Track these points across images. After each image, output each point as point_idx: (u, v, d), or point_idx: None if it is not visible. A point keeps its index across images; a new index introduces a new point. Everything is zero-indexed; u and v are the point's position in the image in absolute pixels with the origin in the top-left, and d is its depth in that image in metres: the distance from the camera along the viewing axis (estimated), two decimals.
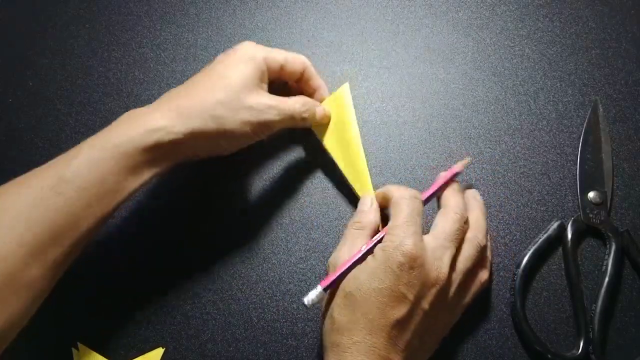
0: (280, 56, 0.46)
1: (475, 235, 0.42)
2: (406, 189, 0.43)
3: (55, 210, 0.37)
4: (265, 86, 0.45)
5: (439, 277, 0.39)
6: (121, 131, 0.40)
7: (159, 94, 0.53)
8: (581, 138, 0.50)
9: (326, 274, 0.42)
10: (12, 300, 0.36)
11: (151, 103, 0.43)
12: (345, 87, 0.50)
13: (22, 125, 0.53)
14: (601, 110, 0.51)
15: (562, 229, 0.47)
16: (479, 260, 0.43)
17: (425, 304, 0.39)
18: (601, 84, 0.52)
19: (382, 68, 0.53)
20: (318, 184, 0.50)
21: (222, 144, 0.44)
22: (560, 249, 0.47)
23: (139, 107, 0.53)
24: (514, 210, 0.48)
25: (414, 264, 0.38)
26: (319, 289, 0.40)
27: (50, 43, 0.56)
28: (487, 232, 0.44)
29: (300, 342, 0.45)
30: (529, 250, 0.46)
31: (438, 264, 0.39)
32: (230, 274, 0.47)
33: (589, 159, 0.49)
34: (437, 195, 0.45)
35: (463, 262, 0.41)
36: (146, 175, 0.41)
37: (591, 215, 0.47)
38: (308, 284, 0.47)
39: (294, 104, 0.46)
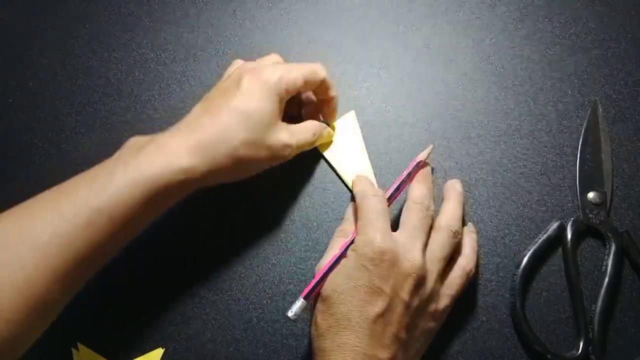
0: (300, 79, 0.45)
1: (447, 223, 0.43)
2: (367, 186, 0.44)
3: (84, 239, 0.38)
4: (282, 114, 0.45)
5: (414, 266, 0.39)
6: (149, 164, 0.40)
7: (159, 94, 0.53)
8: (581, 138, 0.50)
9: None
10: (34, 320, 0.37)
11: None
12: (352, 114, 0.51)
13: (22, 125, 0.53)
14: (601, 110, 0.51)
15: (561, 229, 0.47)
16: (457, 248, 0.43)
17: (404, 295, 0.39)
18: (601, 84, 0.52)
19: (382, 68, 0.53)
20: (318, 185, 0.50)
21: (239, 175, 0.45)
22: (560, 249, 0.47)
23: (139, 107, 0.53)
24: (514, 210, 0.48)
25: (384, 256, 0.39)
26: (300, 299, 0.41)
27: (50, 43, 0.56)
28: (460, 220, 0.44)
29: (300, 342, 0.45)
30: (529, 250, 0.46)
31: (410, 254, 0.40)
32: (230, 274, 0.47)
33: (588, 159, 0.49)
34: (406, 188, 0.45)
35: (438, 250, 0.42)
36: (169, 204, 0.42)
37: (591, 216, 0.47)
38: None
39: (306, 135, 0.46)
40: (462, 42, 0.54)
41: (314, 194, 0.49)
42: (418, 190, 0.44)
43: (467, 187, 0.49)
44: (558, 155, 0.50)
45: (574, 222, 0.47)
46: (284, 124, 0.45)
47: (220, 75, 0.54)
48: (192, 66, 0.54)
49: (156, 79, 0.54)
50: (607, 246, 0.46)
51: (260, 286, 0.47)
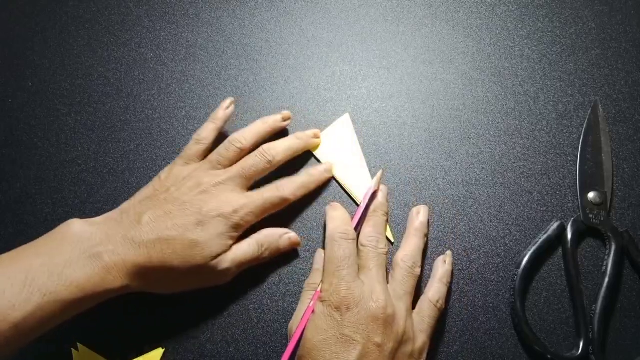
0: (255, 214, 0.45)
1: (402, 260, 0.43)
2: (338, 226, 0.43)
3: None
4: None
5: (379, 307, 0.39)
6: (85, 279, 0.39)
7: (159, 94, 0.53)
8: (581, 138, 0.50)
9: (288, 337, 0.42)
10: None
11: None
12: (346, 117, 0.51)
13: (22, 125, 0.53)
14: (601, 110, 0.51)
15: (562, 229, 0.47)
16: (416, 280, 0.43)
17: (376, 339, 0.38)
18: (601, 84, 0.52)
19: (382, 68, 0.53)
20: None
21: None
22: (560, 249, 0.47)
23: (139, 106, 0.53)
24: (514, 210, 0.48)
25: (350, 304, 0.39)
26: None
27: (50, 43, 0.56)
28: (417, 254, 0.44)
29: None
30: (529, 250, 0.46)
31: (374, 296, 0.40)
32: None
33: (589, 159, 0.49)
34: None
35: (399, 288, 0.42)
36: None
37: (591, 216, 0.47)
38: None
39: (254, 251, 0.45)
40: (462, 41, 0.54)
41: (313, 194, 0.49)
42: (364, 230, 0.44)
43: (467, 187, 0.49)
44: (558, 155, 0.50)
45: (574, 222, 0.47)
46: (233, 239, 0.44)
47: (219, 75, 0.54)
48: (192, 66, 0.54)
49: (156, 78, 0.54)
50: (608, 246, 0.46)
51: (260, 286, 0.47)
